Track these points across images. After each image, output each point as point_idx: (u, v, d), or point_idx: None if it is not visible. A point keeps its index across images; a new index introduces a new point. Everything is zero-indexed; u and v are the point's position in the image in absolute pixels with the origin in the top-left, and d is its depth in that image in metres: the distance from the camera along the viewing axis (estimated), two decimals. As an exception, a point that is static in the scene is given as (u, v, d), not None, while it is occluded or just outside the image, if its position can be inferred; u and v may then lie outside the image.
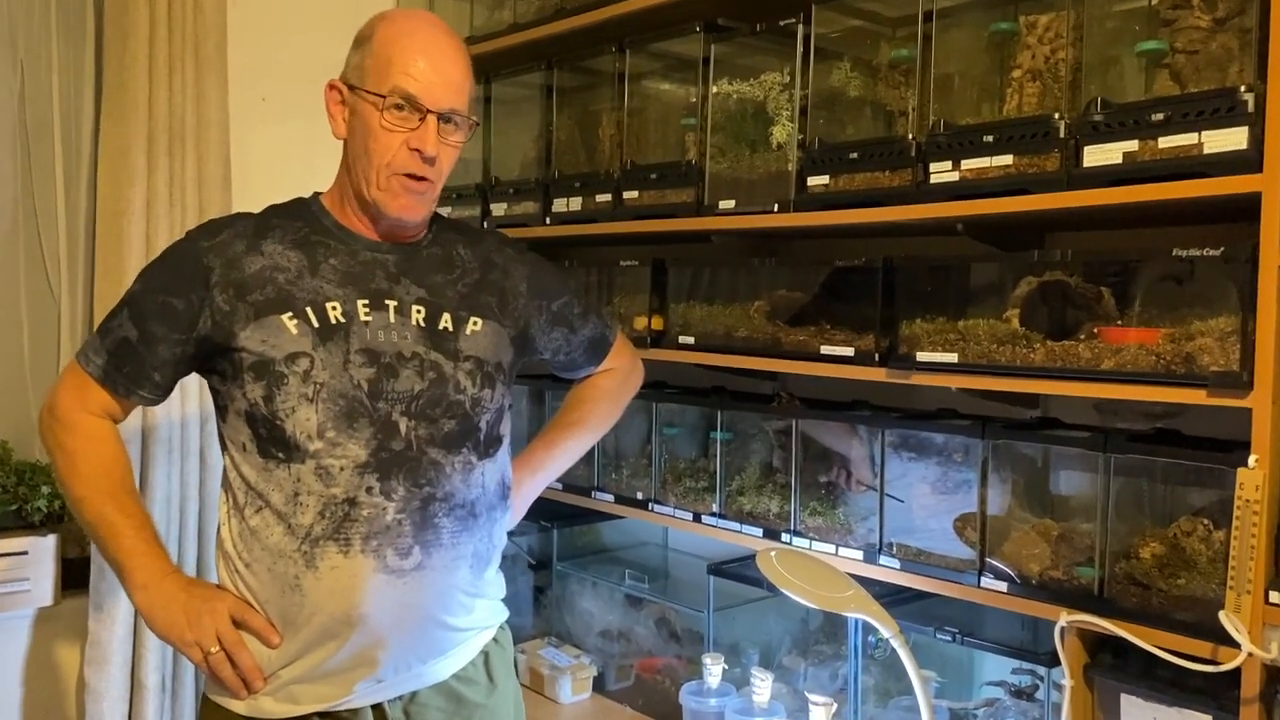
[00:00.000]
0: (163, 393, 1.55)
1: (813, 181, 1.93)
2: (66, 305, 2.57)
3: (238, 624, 1.48)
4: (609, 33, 2.36)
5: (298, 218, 1.58)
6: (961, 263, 1.85)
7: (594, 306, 1.86)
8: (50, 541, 2.41)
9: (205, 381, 1.57)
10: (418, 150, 1.50)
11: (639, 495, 2.37)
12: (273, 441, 1.46)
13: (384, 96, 1.48)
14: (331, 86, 1.56)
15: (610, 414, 1.88)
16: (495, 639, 1.66)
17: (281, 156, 2.68)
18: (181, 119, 2.47)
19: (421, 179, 1.52)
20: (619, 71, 2.35)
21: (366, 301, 1.52)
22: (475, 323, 1.59)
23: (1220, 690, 1.48)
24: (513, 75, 2.66)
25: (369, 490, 1.46)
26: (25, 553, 2.39)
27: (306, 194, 1.64)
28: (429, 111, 1.49)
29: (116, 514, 1.50)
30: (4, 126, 2.51)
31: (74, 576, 2.46)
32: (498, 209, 2.67)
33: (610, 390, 1.87)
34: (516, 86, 2.68)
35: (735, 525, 2.15)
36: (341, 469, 1.46)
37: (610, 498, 2.42)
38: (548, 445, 1.81)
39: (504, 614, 1.68)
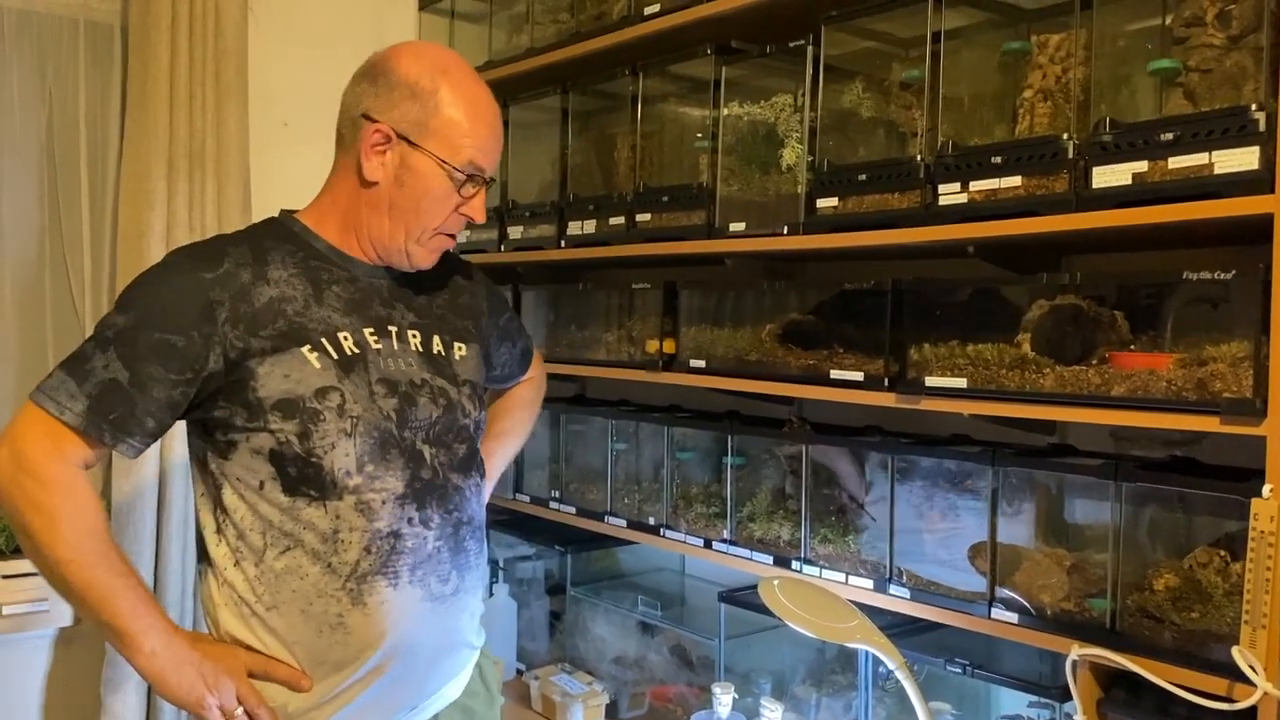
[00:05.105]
0: (152, 440, 1.43)
1: (822, 203, 1.90)
2: (91, 328, 2.60)
3: (261, 676, 1.44)
4: (623, 56, 2.36)
5: (286, 240, 1.54)
6: (970, 285, 1.82)
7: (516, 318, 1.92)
8: (70, 562, 2.43)
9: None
10: (467, 215, 1.53)
11: (651, 521, 2.34)
12: (303, 480, 1.42)
13: (459, 170, 1.49)
14: (376, 129, 1.48)
15: (531, 422, 1.95)
16: (482, 652, 1.68)
17: (302, 180, 2.67)
18: (201, 143, 2.50)
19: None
20: (633, 94, 2.35)
21: (372, 329, 1.51)
22: (460, 347, 1.61)
23: (1238, 729, 1.43)
24: (530, 99, 2.67)
25: (410, 521, 1.46)
26: (45, 573, 2.41)
27: None
28: (487, 181, 1.53)
29: (109, 576, 1.38)
30: (32, 153, 2.56)
31: (93, 597, 2.48)
32: (514, 232, 2.68)
33: (529, 399, 1.94)
34: (534, 110, 2.69)
35: (746, 552, 2.12)
36: (383, 502, 1.44)
37: (623, 522, 2.40)
38: (489, 455, 1.80)
39: (482, 630, 1.70)
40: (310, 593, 1.43)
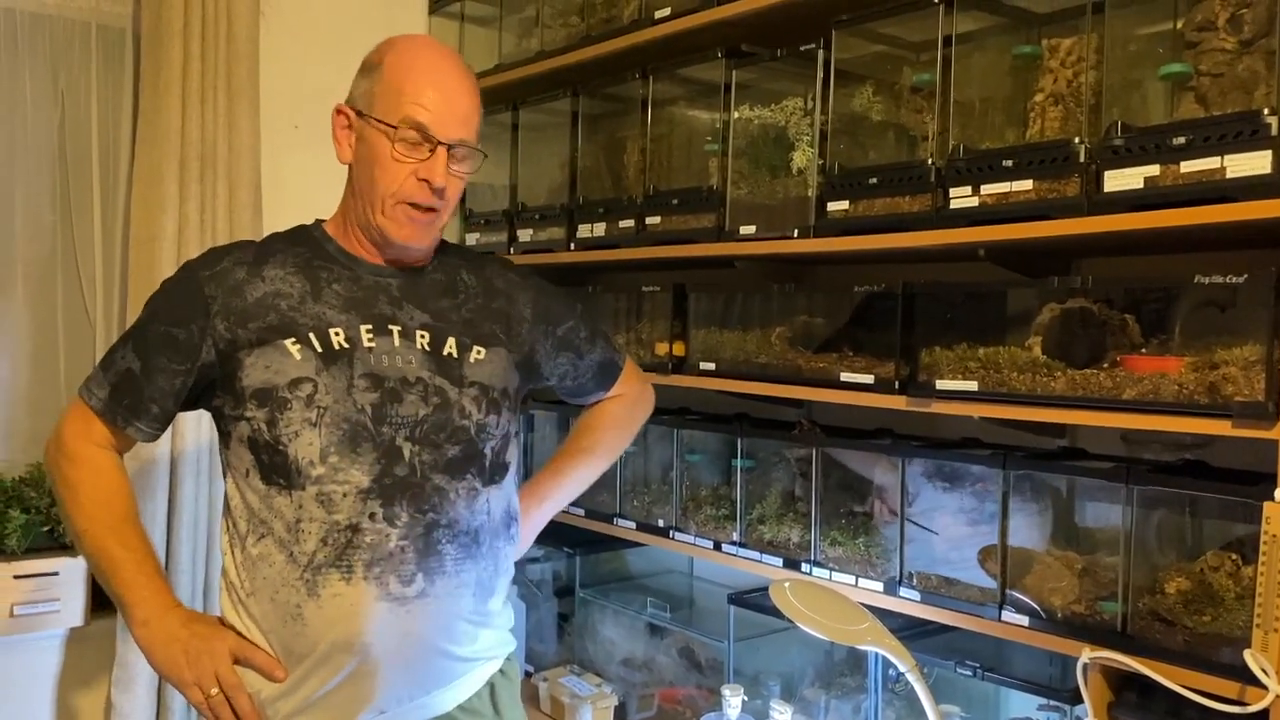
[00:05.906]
0: (159, 426, 1.54)
1: (832, 207, 1.91)
2: (102, 330, 2.62)
3: (241, 662, 1.46)
4: (633, 59, 2.37)
5: (299, 243, 1.58)
6: (982, 289, 1.82)
7: (601, 332, 1.84)
8: (81, 563, 2.44)
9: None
10: (426, 181, 1.49)
11: (660, 523, 2.35)
12: (274, 468, 1.45)
13: (394, 127, 1.48)
14: (338, 111, 1.55)
15: (620, 440, 1.86)
16: (502, 670, 1.63)
17: (313, 183, 2.66)
18: (213, 146, 2.51)
19: (428, 209, 1.52)
20: (643, 98, 2.36)
21: (370, 327, 1.52)
22: (479, 350, 1.58)
23: (1250, 732, 1.43)
24: (540, 103, 2.68)
25: (372, 516, 1.45)
26: (56, 573, 2.42)
27: None
28: (439, 143, 1.49)
29: (117, 547, 1.48)
30: (44, 155, 2.57)
31: (104, 598, 2.43)
32: (524, 235, 2.69)
33: (619, 417, 1.85)
34: (544, 114, 2.70)
35: (755, 555, 2.13)
36: (344, 495, 1.44)
37: (632, 524, 2.41)
38: (555, 473, 1.79)
39: (512, 644, 1.65)
40: (276, 581, 1.45)
